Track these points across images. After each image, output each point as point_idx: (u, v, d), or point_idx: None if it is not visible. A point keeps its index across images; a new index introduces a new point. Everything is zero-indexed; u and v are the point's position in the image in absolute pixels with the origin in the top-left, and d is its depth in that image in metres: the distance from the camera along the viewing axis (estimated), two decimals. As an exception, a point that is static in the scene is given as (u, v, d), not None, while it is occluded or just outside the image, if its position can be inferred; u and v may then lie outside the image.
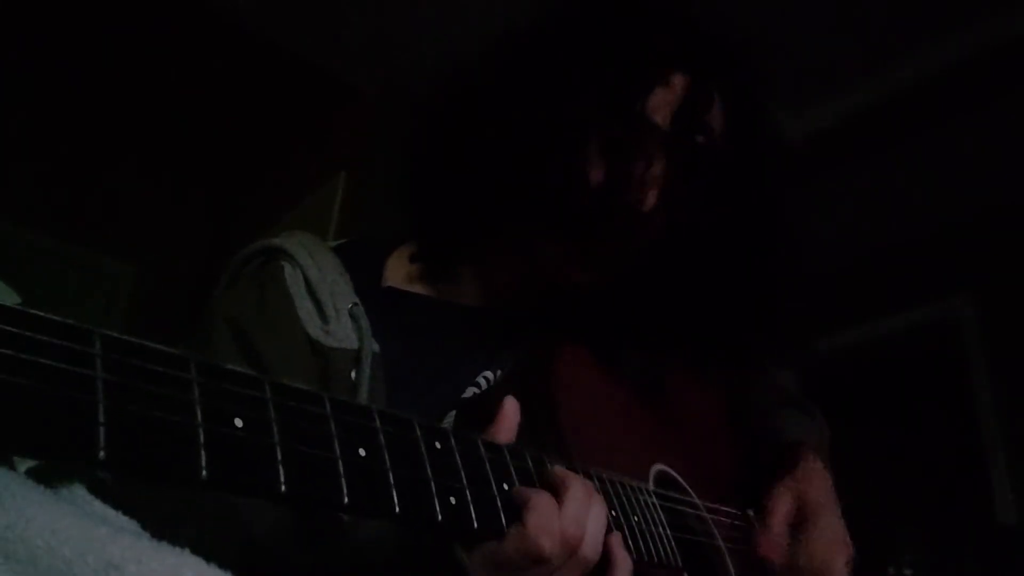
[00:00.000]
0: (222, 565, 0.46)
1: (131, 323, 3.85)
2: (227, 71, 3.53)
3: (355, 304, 0.83)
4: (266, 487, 0.38)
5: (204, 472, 0.34)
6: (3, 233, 3.60)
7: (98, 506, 0.50)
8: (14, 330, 0.31)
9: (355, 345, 0.79)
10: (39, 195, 3.80)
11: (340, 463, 0.42)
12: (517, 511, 0.56)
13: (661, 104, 0.85)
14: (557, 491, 0.59)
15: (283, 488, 0.38)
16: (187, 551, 0.44)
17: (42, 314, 0.32)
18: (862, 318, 3.86)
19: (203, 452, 0.35)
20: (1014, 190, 3.40)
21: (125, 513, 0.50)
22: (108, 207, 3.97)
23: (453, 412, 0.80)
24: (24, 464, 0.50)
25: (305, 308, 0.81)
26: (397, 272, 0.95)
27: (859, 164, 3.45)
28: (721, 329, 0.92)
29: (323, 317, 0.81)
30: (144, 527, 0.49)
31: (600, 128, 0.84)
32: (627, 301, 0.89)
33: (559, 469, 0.62)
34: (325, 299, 0.82)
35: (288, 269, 0.84)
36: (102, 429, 0.31)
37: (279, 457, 0.38)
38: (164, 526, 0.47)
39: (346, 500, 0.42)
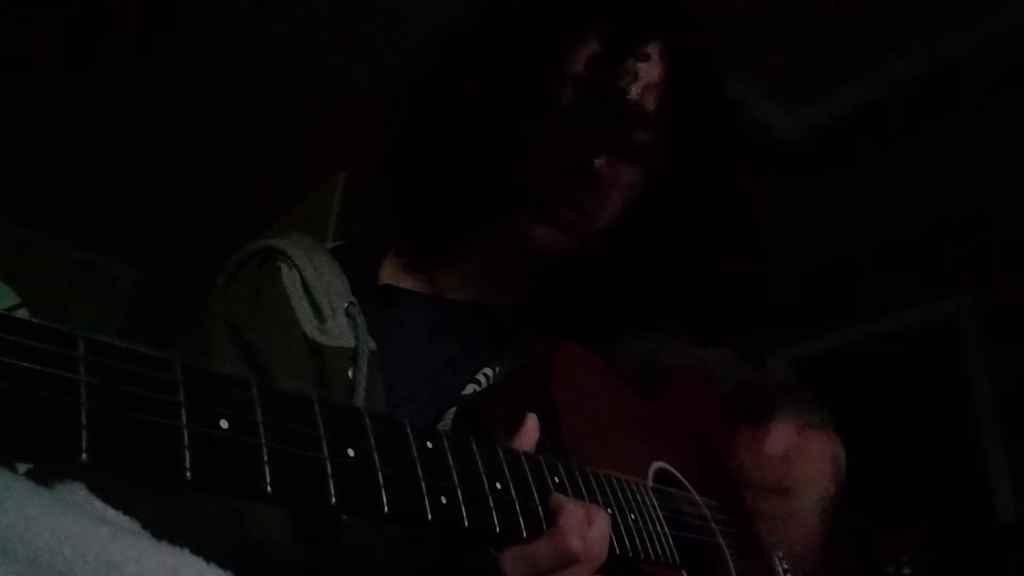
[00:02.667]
0: (222, 565, 0.46)
1: (131, 323, 3.86)
2: (227, 71, 3.54)
3: (351, 303, 0.83)
4: (252, 488, 0.38)
5: (188, 473, 0.35)
6: (3, 233, 3.61)
7: (98, 506, 0.50)
8: (-1, 334, 0.31)
9: (351, 344, 0.79)
10: (39, 195, 3.80)
11: (328, 463, 0.42)
12: (533, 514, 0.57)
13: (579, 57, 0.86)
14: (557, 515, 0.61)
15: (269, 489, 0.38)
16: (187, 551, 0.44)
17: (25, 318, 0.32)
18: (862, 318, 3.86)
19: (187, 453, 0.35)
20: (1014, 190, 3.40)
21: (125, 513, 0.50)
22: (108, 207, 3.97)
23: (452, 409, 0.80)
24: (25, 465, 0.50)
25: (302, 308, 0.81)
26: (394, 270, 0.95)
27: (859, 163, 3.45)
28: (696, 297, 0.94)
29: (319, 316, 0.81)
30: (144, 527, 0.49)
31: (523, 91, 0.86)
32: (610, 275, 0.91)
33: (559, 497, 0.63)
34: (321, 299, 0.82)
35: (285, 269, 0.85)
36: (84, 432, 0.31)
37: (265, 458, 0.39)
38: (164, 526, 0.47)
39: (333, 500, 0.42)
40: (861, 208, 3.62)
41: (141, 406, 0.34)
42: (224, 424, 0.37)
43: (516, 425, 0.66)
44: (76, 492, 0.51)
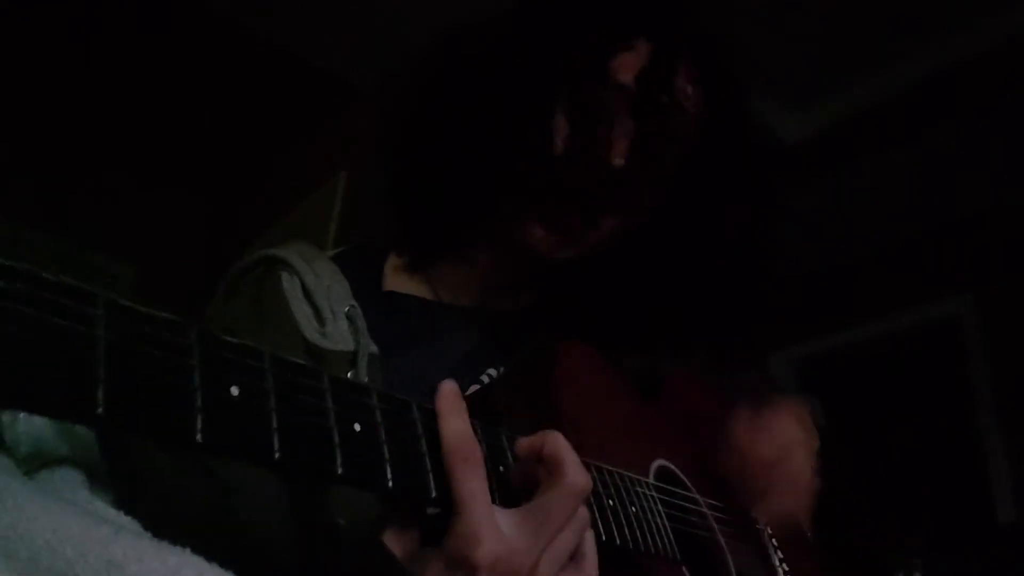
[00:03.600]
0: (223, 565, 0.46)
1: (132, 323, 3.85)
2: (227, 71, 3.54)
3: (352, 306, 0.83)
4: (260, 452, 0.38)
5: (199, 434, 0.35)
6: (3, 233, 3.61)
7: (99, 506, 0.50)
8: (22, 288, 0.32)
9: (351, 347, 0.79)
10: (39, 195, 3.80)
11: (335, 433, 0.43)
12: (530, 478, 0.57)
13: (625, 66, 0.86)
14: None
15: (277, 455, 0.39)
16: (188, 551, 0.45)
17: (48, 275, 0.33)
18: (862, 318, 3.87)
19: (199, 415, 0.36)
20: (1014, 190, 3.41)
21: (127, 513, 0.50)
22: (109, 207, 3.98)
23: None
24: (25, 466, 0.51)
25: (302, 312, 0.81)
26: (397, 276, 0.96)
27: (859, 164, 3.45)
28: (702, 316, 0.94)
29: (320, 320, 0.81)
30: (145, 528, 0.49)
31: (564, 92, 0.85)
32: (616, 288, 0.91)
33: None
34: (322, 303, 0.82)
35: (285, 276, 0.85)
36: (101, 385, 0.32)
37: (274, 424, 0.39)
38: (160, 527, 0.48)
39: (340, 470, 0.42)
40: (861, 208, 3.62)
41: (157, 366, 0.35)
42: (235, 391, 0.38)
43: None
44: (77, 492, 0.51)
